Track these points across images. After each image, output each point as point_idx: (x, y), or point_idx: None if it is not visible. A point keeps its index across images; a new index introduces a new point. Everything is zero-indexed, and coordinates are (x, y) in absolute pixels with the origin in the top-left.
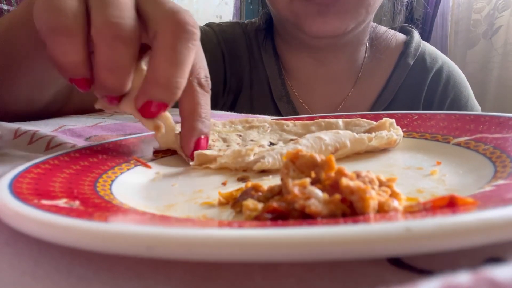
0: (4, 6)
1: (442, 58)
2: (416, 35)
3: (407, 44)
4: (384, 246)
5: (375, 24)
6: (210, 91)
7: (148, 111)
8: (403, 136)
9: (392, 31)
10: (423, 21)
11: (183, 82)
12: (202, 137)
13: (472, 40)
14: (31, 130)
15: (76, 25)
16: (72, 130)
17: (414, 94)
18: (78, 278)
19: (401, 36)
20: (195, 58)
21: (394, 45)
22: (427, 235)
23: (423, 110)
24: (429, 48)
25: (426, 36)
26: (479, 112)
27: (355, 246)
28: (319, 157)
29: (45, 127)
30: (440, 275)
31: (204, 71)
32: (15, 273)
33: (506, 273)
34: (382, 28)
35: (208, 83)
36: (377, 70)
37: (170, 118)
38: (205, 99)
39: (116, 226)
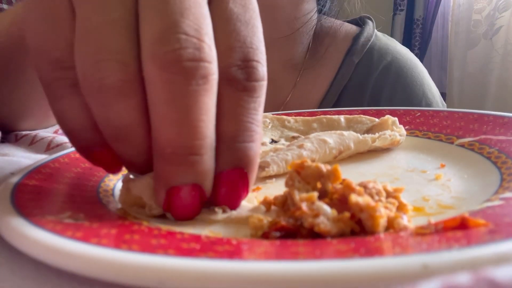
0: (5, 6)
1: (394, 52)
2: (369, 27)
3: (355, 39)
4: (400, 282)
5: (326, 18)
6: (257, 85)
7: (177, 206)
8: (406, 135)
9: (341, 23)
10: (423, 21)
11: (201, 143)
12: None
13: (473, 41)
14: (31, 134)
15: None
16: None
17: (357, 96)
18: (79, 283)
19: (352, 30)
20: (222, 38)
21: (342, 40)
22: (444, 272)
23: None
24: (381, 41)
25: (426, 36)
26: (483, 111)
27: (370, 283)
28: (324, 168)
29: (44, 131)
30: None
31: (238, 52)
32: (16, 277)
33: (506, 273)
34: (329, 22)
35: (248, 72)
36: (321, 70)
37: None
38: (237, 103)
39: (127, 256)
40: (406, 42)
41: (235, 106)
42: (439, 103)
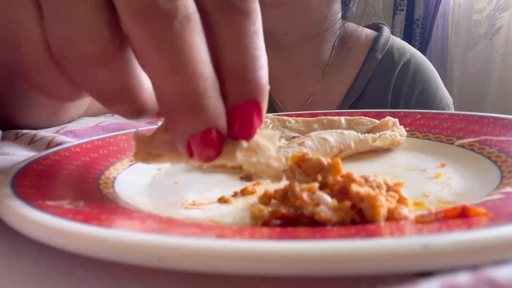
0: None
1: (411, 51)
2: (386, 31)
3: (376, 39)
4: (401, 263)
5: (347, 23)
6: (252, 6)
7: (200, 152)
8: (406, 136)
9: (361, 28)
10: (423, 21)
11: (205, 85)
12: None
13: (473, 41)
14: (31, 132)
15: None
16: (73, 131)
17: (382, 88)
18: (78, 279)
19: (371, 33)
20: None
21: (364, 41)
22: (445, 253)
23: (391, 103)
24: (398, 42)
25: (426, 36)
26: (484, 113)
27: (371, 263)
28: (325, 161)
29: (44, 130)
30: (440, 275)
31: None
32: (14, 273)
33: (506, 273)
34: (351, 26)
35: None
36: (346, 66)
37: None
38: (237, 30)
39: (128, 235)
40: (406, 42)
41: (236, 33)
42: (449, 101)
